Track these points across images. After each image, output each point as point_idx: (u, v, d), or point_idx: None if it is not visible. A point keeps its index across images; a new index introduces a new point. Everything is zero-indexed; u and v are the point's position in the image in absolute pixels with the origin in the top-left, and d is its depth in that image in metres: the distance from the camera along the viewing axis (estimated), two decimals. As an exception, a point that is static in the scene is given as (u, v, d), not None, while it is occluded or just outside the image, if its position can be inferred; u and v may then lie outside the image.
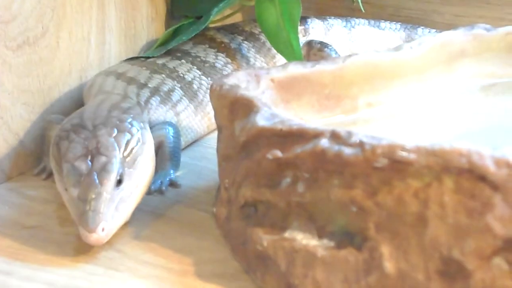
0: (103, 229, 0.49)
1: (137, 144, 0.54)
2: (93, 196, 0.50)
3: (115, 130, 0.54)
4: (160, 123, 0.62)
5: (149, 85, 0.64)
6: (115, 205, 0.51)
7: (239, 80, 0.51)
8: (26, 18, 0.61)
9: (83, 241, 0.50)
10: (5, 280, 0.49)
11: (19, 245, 0.52)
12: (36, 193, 0.60)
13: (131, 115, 0.56)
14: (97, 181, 0.51)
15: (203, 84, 0.68)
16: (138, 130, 0.55)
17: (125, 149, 0.53)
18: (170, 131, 0.61)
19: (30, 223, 0.55)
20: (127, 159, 0.53)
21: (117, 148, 0.53)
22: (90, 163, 0.52)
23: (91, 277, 0.49)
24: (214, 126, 0.68)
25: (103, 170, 0.51)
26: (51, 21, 0.63)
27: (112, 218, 0.50)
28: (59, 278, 0.49)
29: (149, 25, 0.75)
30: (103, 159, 0.52)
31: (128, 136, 0.54)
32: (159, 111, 0.63)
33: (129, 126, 0.55)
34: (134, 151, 0.54)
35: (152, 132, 0.60)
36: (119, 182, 0.52)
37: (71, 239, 0.53)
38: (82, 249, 0.52)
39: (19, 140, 0.62)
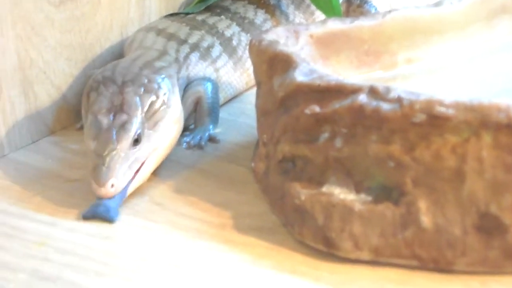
0: (112, 185, 0.50)
1: (161, 106, 0.54)
2: (108, 151, 0.51)
3: (142, 89, 0.54)
4: (198, 79, 0.62)
5: (189, 41, 0.64)
6: (129, 164, 0.52)
7: (278, 36, 0.51)
8: (68, -26, 0.62)
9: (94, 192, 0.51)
10: (49, 231, 0.50)
11: (62, 197, 0.53)
12: (78, 147, 0.61)
13: (162, 76, 0.56)
14: (114, 137, 0.52)
15: (242, 40, 0.68)
16: (165, 93, 0.55)
17: (148, 110, 0.54)
18: (209, 86, 0.61)
19: (72, 177, 0.56)
20: (149, 120, 0.53)
21: (139, 108, 0.53)
22: (112, 118, 0.53)
23: (131, 229, 0.50)
24: (253, 82, 0.68)
25: (122, 127, 0.52)
26: (93, -23, 0.64)
27: (123, 176, 0.51)
28: (100, 230, 0.50)
29: (189, -20, 0.75)
30: (124, 116, 0.53)
31: (153, 97, 0.54)
32: (198, 67, 0.63)
33: (157, 87, 0.55)
34: (157, 113, 0.54)
35: (190, 88, 0.60)
36: (136, 141, 0.52)
37: (113, 192, 0.54)
38: (123, 201, 0.53)
39: (61, 95, 0.63)
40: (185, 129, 0.62)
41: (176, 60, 0.61)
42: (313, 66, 0.47)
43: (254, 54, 0.51)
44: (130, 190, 0.52)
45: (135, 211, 0.52)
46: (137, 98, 0.54)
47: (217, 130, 0.62)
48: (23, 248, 0.48)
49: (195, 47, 0.64)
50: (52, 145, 0.61)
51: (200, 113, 0.61)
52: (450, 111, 0.41)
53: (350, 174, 0.45)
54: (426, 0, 0.80)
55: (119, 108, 0.53)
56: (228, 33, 0.67)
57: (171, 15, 0.69)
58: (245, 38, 0.68)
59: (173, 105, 0.56)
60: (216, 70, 0.65)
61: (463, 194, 0.42)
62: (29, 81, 0.60)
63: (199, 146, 0.60)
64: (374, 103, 0.43)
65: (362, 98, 0.43)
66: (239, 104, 0.68)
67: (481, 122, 0.40)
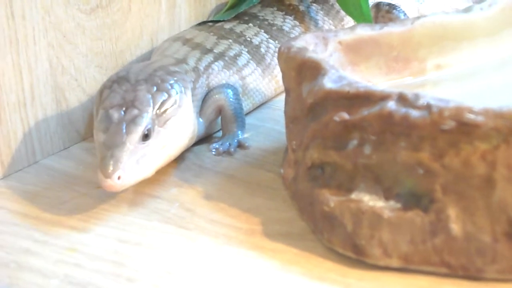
0: (119, 177, 0.51)
1: (172, 105, 0.55)
2: (117, 144, 0.52)
3: (154, 88, 0.55)
4: (217, 87, 0.62)
5: (214, 51, 0.64)
6: (137, 158, 0.52)
7: (307, 43, 0.51)
8: (99, -18, 0.62)
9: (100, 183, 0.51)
10: (80, 237, 0.50)
11: (93, 203, 0.54)
12: (109, 154, 0.61)
13: (175, 78, 0.57)
14: (124, 130, 0.52)
15: (270, 47, 0.68)
16: (177, 93, 0.56)
17: (159, 108, 0.54)
18: (229, 93, 0.62)
19: (103, 182, 0.57)
20: (159, 118, 0.54)
21: (151, 105, 0.54)
22: (123, 113, 0.54)
23: (162, 235, 0.50)
24: (281, 89, 0.68)
25: (132, 121, 0.53)
26: (123, -15, 0.64)
27: (130, 169, 0.52)
28: (132, 236, 0.50)
29: (219, -13, 0.75)
30: (135, 111, 0.54)
31: (165, 95, 0.55)
32: (221, 76, 0.63)
33: (169, 87, 0.56)
34: (168, 111, 0.55)
35: (209, 96, 0.61)
36: (146, 136, 0.53)
37: (144, 198, 0.55)
38: (154, 208, 0.53)
39: (92, 102, 0.64)
40: (210, 137, 0.62)
41: (195, 69, 0.61)
42: (342, 72, 0.47)
43: (283, 61, 0.51)
44: (132, 184, 0.52)
45: (165, 217, 0.52)
46: (149, 96, 0.55)
47: (246, 135, 0.62)
48: (55, 254, 0.49)
49: (219, 56, 0.64)
50: (84, 151, 0.62)
51: (225, 121, 0.61)
52: (480, 118, 0.41)
53: (379, 181, 0.45)
54: (454, 6, 0.80)
55: (131, 104, 0.54)
56: (256, 40, 0.67)
57: (200, 24, 0.70)
58: (273, 45, 0.68)
59: (184, 105, 0.57)
60: (242, 78, 0.65)
61: (493, 201, 0.42)
62: (60, 88, 0.61)
63: (228, 152, 0.60)
64: (403, 110, 0.43)
65: (391, 105, 0.43)
66: (268, 110, 0.68)
67: (510, 129, 0.40)
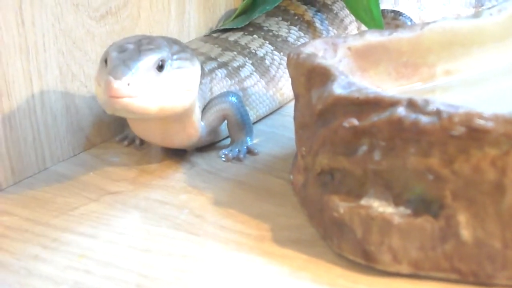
0: (128, 84, 0.50)
1: (186, 58, 0.55)
2: (132, 58, 0.51)
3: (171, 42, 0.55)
4: (220, 96, 0.61)
5: (218, 60, 0.64)
6: (149, 81, 0.51)
7: (316, 49, 0.52)
8: (109, -11, 0.62)
9: (106, 93, 0.50)
10: (90, 244, 0.50)
11: (103, 209, 0.54)
12: (118, 160, 0.61)
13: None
14: (140, 53, 0.52)
15: (275, 59, 0.68)
16: (189, 53, 0.55)
17: (174, 53, 0.54)
18: (233, 101, 0.61)
19: (113, 189, 0.57)
20: (173, 60, 0.53)
21: (167, 46, 0.54)
22: (137, 46, 0.53)
23: (172, 242, 0.50)
24: (286, 101, 0.68)
25: (148, 49, 0.52)
26: (133, -9, 0.65)
27: (141, 86, 0.50)
28: (142, 242, 0.50)
29: (228, -6, 0.76)
30: (150, 46, 0.53)
31: (180, 47, 0.55)
32: (223, 83, 0.63)
33: (183, 46, 0.56)
34: (181, 59, 0.54)
35: (213, 104, 0.60)
36: (160, 67, 0.52)
37: (153, 205, 0.55)
38: (164, 214, 0.53)
39: (102, 108, 0.64)
40: (219, 144, 0.62)
41: (202, 68, 0.61)
42: (351, 78, 0.47)
43: (292, 67, 0.51)
44: (136, 105, 0.51)
45: (175, 223, 0.52)
46: (165, 42, 0.54)
47: (255, 141, 0.62)
48: (65, 261, 0.49)
49: (223, 65, 0.64)
50: (93, 158, 0.62)
51: (233, 129, 0.61)
52: (490, 124, 0.40)
53: (389, 187, 0.44)
54: (456, 12, 0.80)
55: (146, 42, 0.53)
56: (260, 52, 0.67)
57: (206, 36, 0.70)
58: (278, 57, 0.68)
59: (195, 70, 0.56)
60: (243, 89, 0.64)
61: (503, 207, 0.42)
62: (70, 94, 0.61)
63: (237, 159, 0.60)
64: (412, 116, 0.43)
65: (401, 111, 0.43)
66: (277, 116, 0.68)
67: (521, 135, 0.40)
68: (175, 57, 0.54)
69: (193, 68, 0.55)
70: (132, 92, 0.50)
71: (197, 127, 0.59)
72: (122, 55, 0.52)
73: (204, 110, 0.60)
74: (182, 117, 0.57)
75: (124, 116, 0.55)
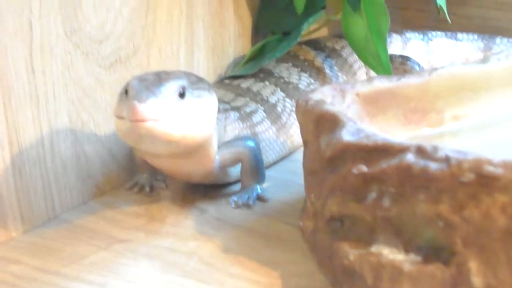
0: (153, 107, 0.50)
1: (204, 88, 0.55)
2: (155, 85, 0.51)
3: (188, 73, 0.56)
4: (237, 140, 0.62)
5: (232, 104, 0.65)
6: (174, 106, 0.52)
7: (325, 95, 0.52)
8: (118, 38, 0.63)
9: (130, 117, 0.51)
10: (99, 292, 0.50)
11: (112, 258, 0.54)
12: (128, 207, 0.62)
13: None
14: (162, 81, 0.52)
15: (287, 106, 0.68)
16: (207, 84, 0.56)
17: (192, 83, 0.55)
18: (252, 146, 0.61)
19: (123, 237, 0.57)
20: (193, 88, 0.54)
21: (185, 76, 0.54)
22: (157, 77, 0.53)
23: (181, 290, 0.50)
24: (296, 147, 0.68)
25: (169, 78, 0.53)
26: (142, 40, 0.65)
27: (167, 109, 0.51)
28: (151, 290, 0.50)
29: (236, 41, 0.76)
30: (170, 76, 0.54)
31: (196, 78, 0.56)
32: (235, 125, 0.63)
33: (199, 78, 0.56)
34: (200, 89, 0.55)
35: (232, 146, 0.61)
36: (181, 95, 0.53)
37: (162, 252, 0.54)
38: (173, 262, 0.53)
39: (112, 156, 0.64)
40: (227, 190, 0.62)
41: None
42: (360, 125, 0.47)
43: (300, 114, 0.52)
44: (159, 130, 0.51)
45: (184, 271, 0.52)
46: (182, 73, 0.55)
47: (264, 185, 0.62)
48: (74, 310, 0.49)
49: (236, 108, 0.64)
50: (103, 206, 0.62)
51: (245, 174, 0.61)
52: (499, 171, 0.40)
53: (399, 234, 0.44)
54: (464, 56, 0.80)
55: (164, 74, 0.54)
56: (273, 99, 0.67)
57: (218, 82, 0.71)
58: (289, 104, 0.68)
59: (213, 101, 0.56)
60: (255, 134, 0.65)
61: (515, 254, 0.41)
62: (80, 142, 0.61)
63: (247, 205, 0.60)
64: (421, 162, 0.43)
65: (410, 157, 0.43)
66: (287, 162, 0.68)
67: (530, 181, 0.40)
68: (194, 86, 0.55)
69: (211, 98, 0.56)
70: (156, 115, 0.51)
71: (213, 159, 0.59)
72: (143, 83, 0.52)
73: (221, 146, 0.60)
74: (199, 148, 0.57)
75: (146, 145, 0.55)
